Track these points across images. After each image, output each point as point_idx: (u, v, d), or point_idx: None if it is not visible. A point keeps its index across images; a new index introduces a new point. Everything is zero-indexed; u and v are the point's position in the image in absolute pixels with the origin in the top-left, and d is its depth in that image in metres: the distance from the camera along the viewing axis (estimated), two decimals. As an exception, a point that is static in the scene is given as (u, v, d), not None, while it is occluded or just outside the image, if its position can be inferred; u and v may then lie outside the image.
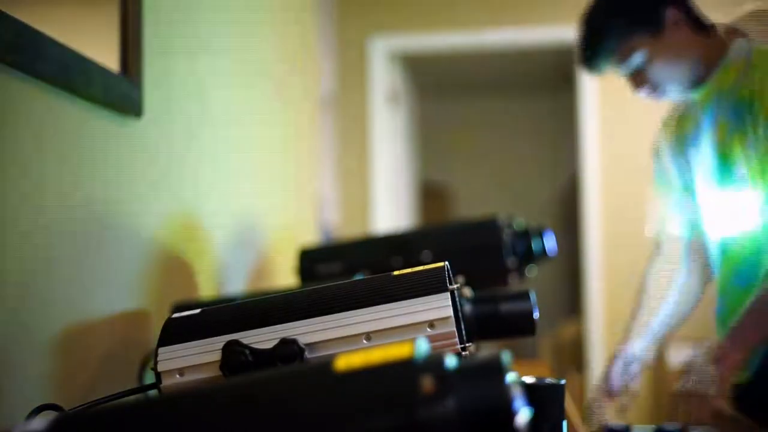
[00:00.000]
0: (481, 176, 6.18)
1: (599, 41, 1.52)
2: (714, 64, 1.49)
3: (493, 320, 1.03)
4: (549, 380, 0.99)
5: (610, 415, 1.65)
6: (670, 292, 1.70)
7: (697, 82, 1.52)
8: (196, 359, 0.78)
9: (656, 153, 1.71)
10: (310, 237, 2.65)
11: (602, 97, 3.69)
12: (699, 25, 1.52)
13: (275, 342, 0.76)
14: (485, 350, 1.35)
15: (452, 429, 0.49)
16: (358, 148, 3.77)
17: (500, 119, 6.22)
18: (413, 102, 5.13)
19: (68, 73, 0.98)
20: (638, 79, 1.52)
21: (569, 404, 1.16)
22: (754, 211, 1.44)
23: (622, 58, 1.50)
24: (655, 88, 1.51)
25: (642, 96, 1.55)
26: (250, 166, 1.90)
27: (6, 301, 0.87)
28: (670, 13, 1.47)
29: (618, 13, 1.51)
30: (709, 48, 1.50)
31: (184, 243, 1.41)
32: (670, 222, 1.70)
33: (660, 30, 1.47)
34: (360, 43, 3.79)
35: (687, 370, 1.51)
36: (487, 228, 1.38)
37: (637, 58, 1.48)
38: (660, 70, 1.49)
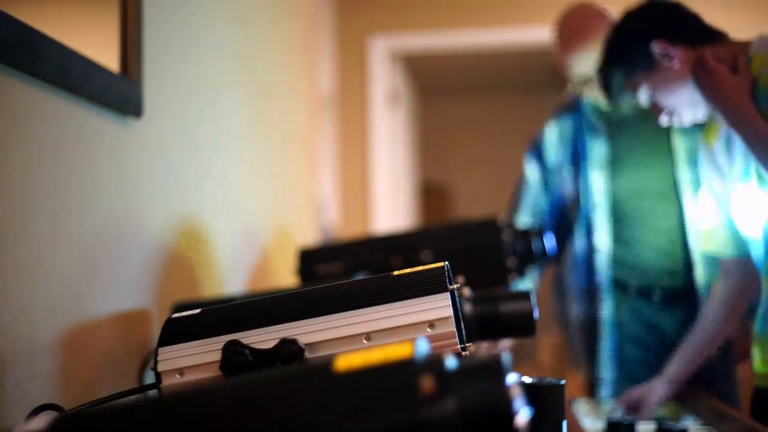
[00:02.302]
0: (481, 176, 6.18)
1: (606, 83, 1.56)
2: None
3: (493, 320, 1.03)
4: (549, 380, 0.99)
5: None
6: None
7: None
8: (196, 359, 0.78)
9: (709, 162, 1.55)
10: (310, 237, 2.65)
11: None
12: (701, 38, 1.44)
13: (275, 342, 0.76)
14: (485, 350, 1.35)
15: (452, 429, 0.49)
16: (358, 148, 3.77)
17: (500, 119, 6.21)
18: (413, 102, 5.13)
19: (68, 73, 0.98)
20: (655, 108, 1.51)
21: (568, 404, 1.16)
22: None
23: (631, 94, 1.53)
24: (673, 114, 1.49)
25: (667, 123, 1.53)
26: (250, 165, 1.90)
27: (6, 301, 0.87)
28: (657, 47, 1.44)
29: (611, 57, 1.53)
30: (719, 54, 1.40)
31: (184, 243, 1.41)
32: (728, 235, 1.55)
33: (652, 65, 1.45)
34: (360, 43, 3.79)
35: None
36: (487, 228, 1.38)
37: (644, 93, 1.49)
38: (668, 99, 1.47)
